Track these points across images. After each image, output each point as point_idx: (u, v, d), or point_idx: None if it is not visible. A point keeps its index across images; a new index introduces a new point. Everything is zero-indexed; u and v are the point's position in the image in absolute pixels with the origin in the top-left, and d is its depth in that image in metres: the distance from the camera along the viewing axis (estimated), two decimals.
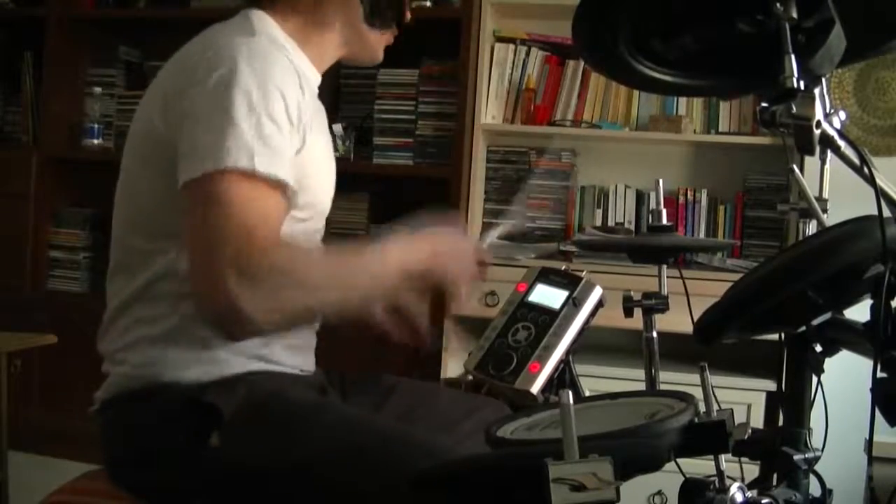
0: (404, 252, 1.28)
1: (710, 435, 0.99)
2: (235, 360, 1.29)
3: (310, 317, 1.28)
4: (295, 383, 1.36)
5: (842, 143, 1.08)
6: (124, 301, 1.32)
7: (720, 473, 1.01)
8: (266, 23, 1.37)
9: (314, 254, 1.31)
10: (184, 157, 1.20)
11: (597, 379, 2.69)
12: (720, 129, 3.05)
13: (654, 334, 1.60)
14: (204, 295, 1.16)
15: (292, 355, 1.38)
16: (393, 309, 1.51)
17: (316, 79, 1.45)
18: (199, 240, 1.17)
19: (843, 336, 1.22)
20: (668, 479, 1.27)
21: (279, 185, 1.20)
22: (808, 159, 1.39)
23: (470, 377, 1.48)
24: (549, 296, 1.46)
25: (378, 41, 1.49)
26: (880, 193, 1.03)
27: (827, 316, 1.23)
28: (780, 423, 1.31)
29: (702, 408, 1.01)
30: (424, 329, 1.48)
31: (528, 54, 3.18)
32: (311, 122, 1.31)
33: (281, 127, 1.22)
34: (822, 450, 1.29)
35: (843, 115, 1.10)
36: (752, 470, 1.31)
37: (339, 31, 1.44)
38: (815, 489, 1.26)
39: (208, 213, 1.16)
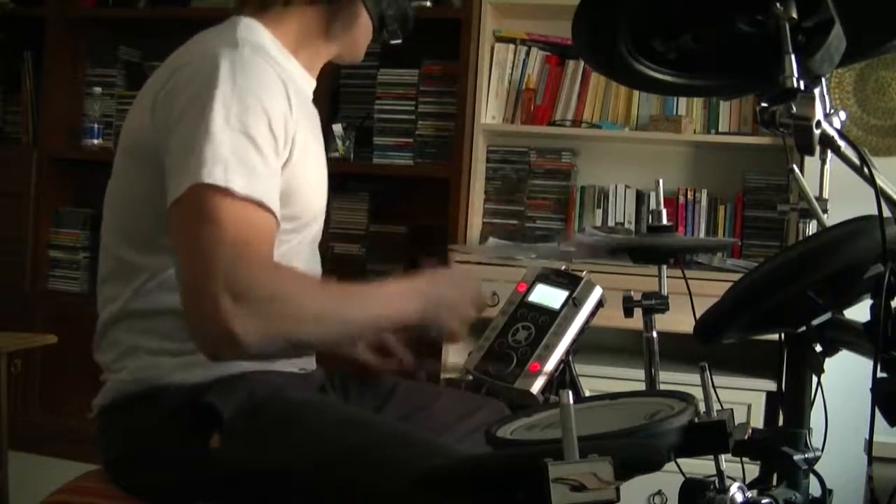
0: (400, 298, 1.27)
1: (710, 435, 0.99)
2: (236, 361, 1.28)
3: (301, 344, 1.24)
4: (295, 383, 1.36)
5: (842, 143, 1.08)
6: (117, 312, 1.32)
7: (720, 473, 1.01)
8: (254, 31, 1.34)
9: (309, 281, 1.29)
10: (168, 175, 1.20)
11: (597, 379, 2.69)
12: (720, 129, 3.05)
13: (654, 334, 1.60)
14: (196, 315, 1.14)
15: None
16: (375, 344, 1.52)
17: (310, 85, 1.44)
18: (190, 259, 1.16)
19: (843, 336, 1.22)
20: (668, 479, 1.27)
21: (260, 204, 1.18)
22: (808, 159, 1.38)
23: (470, 377, 1.48)
24: (549, 296, 1.45)
25: (365, 45, 1.48)
26: (880, 193, 1.03)
27: (827, 316, 1.23)
28: (780, 423, 1.31)
29: (702, 408, 1.01)
30: (408, 359, 1.49)
31: (528, 54, 3.18)
32: (300, 131, 1.29)
33: (260, 145, 1.20)
34: (822, 450, 1.29)
35: (843, 115, 1.10)
36: (752, 470, 1.31)
37: (338, 39, 1.43)
38: (815, 489, 1.26)
39: (196, 232, 1.15)
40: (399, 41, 1.48)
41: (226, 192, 1.15)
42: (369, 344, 1.55)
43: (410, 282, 1.29)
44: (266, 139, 1.21)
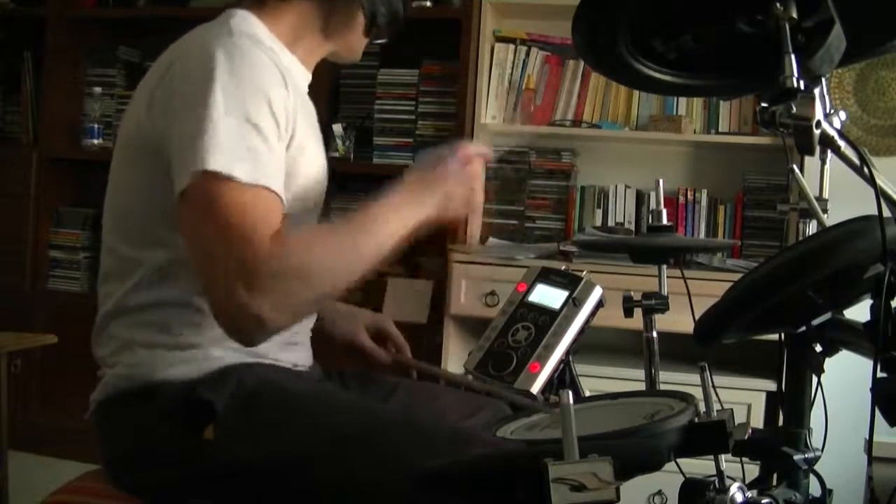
0: (410, 206, 1.28)
1: (710, 435, 0.99)
2: (228, 356, 1.28)
3: (326, 298, 1.27)
4: (287, 373, 1.36)
5: (842, 143, 1.08)
6: (115, 307, 1.32)
7: (720, 473, 1.02)
8: (249, 23, 1.34)
9: (320, 238, 1.27)
10: (173, 168, 1.20)
11: (597, 379, 2.68)
12: (720, 129, 3.05)
13: (654, 334, 1.60)
14: (219, 307, 1.16)
15: (287, 351, 1.38)
16: (376, 334, 1.52)
17: (305, 77, 1.44)
18: (201, 254, 1.17)
19: (843, 336, 1.22)
20: (668, 479, 1.27)
21: (265, 188, 1.19)
22: (808, 159, 1.39)
23: (470, 377, 1.48)
24: (549, 296, 1.45)
25: (362, 44, 1.48)
26: (880, 193, 1.03)
27: (827, 316, 1.23)
28: (780, 423, 1.31)
29: (702, 408, 1.01)
30: (407, 350, 1.51)
31: (528, 54, 3.18)
32: (298, 119, 1.30)
33: (262, 130, 1.20)
34: (822, 450, 1.29)
35: (843, 115, 1.10)
36: (752, 470, 1.31)
37: (333, 36, 1.44)
38: (815, 489, 1.26)
39: (204, 222, 1.16)
40: (384, 41, 1.48)
41: (229, 179, 1.16)
42: (369, 331, 1.56)
43: (414, 184, 1.29)
44: (268, 123, 1.22)
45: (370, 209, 1.26)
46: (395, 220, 1.26)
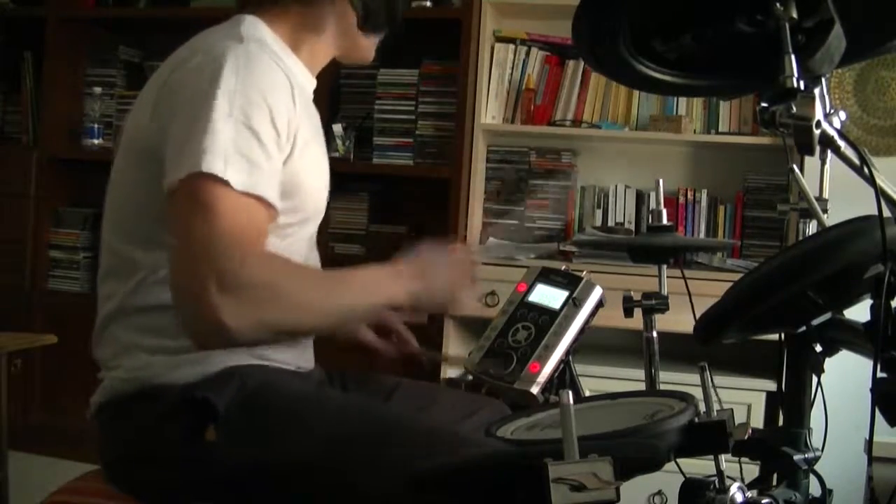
0: (391, 281, 1.28)
1: (710, 435, 0.99)
2: (230, 357, 1.28)
3: (293, 333, 1.26)
4: (290, 375, 1.36)
5: (842, 143, 1.08)
6: (116, 308, 1.32)
7: (720, 473, 1.02)
8: (258, 28, 1.35)
9: (300, 270, 1.30)
10: (167, 162, 1.20)
11: (597, 379, 2.69)
12: (720, 129, 3.05)
13: (654, 334, 1.60)
14: (184, 304, 1.15)
15: (289, 352, 1.38)
16: (378, 326, 1.52)
17: (310, 84, 1.44)
18: (181, 247, 1.17)
19: (843, 336, 1.22)
20: (668, 479, 1.27)
21: (258, 198, 1.19)
22: (808, 159, 1.39)
23: (470, 377, 1.48)
24: (549, 296, 1.45)
25: (370, 43, 1.48)
26: (880, 193, 1.03)
27: (827, 316, 1.23)
28: (780, 423, 1.31)
29: (702, 408, 1.01)
30: (412, 340, 1.51)
31: (528, 54, 3.18)
32: (302, 129, 1.30)
33: (262, 138, 1.20)
34: (822, 450, 1.29)
35: (843, 115, 1.10)
36: (752, 470, 1.31)
37: (332, 36, 1.43)
38: (815, 489, 1.26)
39: (191, 219, 1.16)
40: (383, 34, 1.47)
41: (223, 183, 1.16)
42: (371, 325, 1.55)
43: (401, 265, 1.30)
44: (268, 133, 1.22)
45: (355, 270, 1.27)
46: (373, 287, 1.27)
